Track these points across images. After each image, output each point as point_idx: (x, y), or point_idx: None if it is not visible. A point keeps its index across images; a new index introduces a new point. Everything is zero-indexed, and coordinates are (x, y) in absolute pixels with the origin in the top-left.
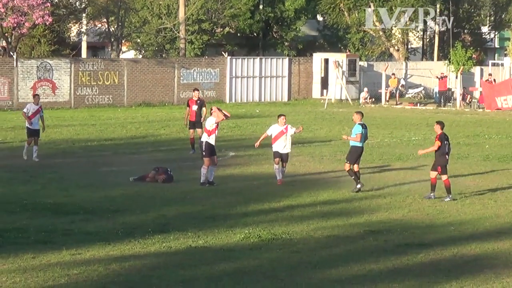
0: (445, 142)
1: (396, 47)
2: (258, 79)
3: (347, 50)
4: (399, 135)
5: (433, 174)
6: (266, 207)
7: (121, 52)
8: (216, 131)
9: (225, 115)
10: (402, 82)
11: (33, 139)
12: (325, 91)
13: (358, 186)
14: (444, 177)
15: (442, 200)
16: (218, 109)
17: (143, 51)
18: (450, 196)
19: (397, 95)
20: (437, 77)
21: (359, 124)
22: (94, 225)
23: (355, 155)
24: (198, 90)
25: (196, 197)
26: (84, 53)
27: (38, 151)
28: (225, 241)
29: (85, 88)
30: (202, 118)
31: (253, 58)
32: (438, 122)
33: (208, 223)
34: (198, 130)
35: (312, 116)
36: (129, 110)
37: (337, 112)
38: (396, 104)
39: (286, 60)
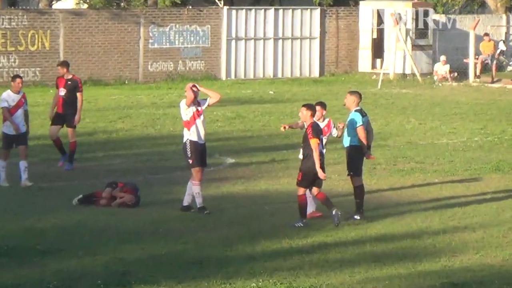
0: (321, 136)
1: None
2: (271, 42)
3: None
4: (496, 132)
5: (316, 190)
6: (284, 245)
7: (54, 0)
8: (199, 121)
9: (194, 91)
10: (502, 47)
11: (18, 149)
12: (378, 61)
13: (357, 217)
14: (299, 190)
15: (291, 225)
16: (193, 86)
17: None
18: (304, 220)
19: (494, 67)
20: None
21: (356, 111)
22: (13, 275)
23: (359, 159)
24: (67, 64)
25: (174, 229)
26: None
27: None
28: None
29: None
30: (78, 109)
31: (264, 10)
32: (307, 106)
33: (192, 271)
34: (69, 130)
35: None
36: None
37: (398, 94)
38: (492, 82)
39: (317, 13)
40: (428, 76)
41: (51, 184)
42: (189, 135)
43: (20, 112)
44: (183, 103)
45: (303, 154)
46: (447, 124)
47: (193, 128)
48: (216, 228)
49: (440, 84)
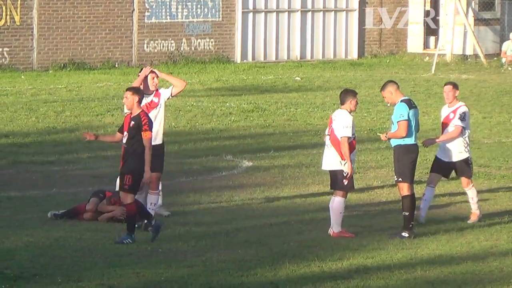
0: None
1: None
2: (298, 15)
3: None
4: None
5: (129, 198)
6: (314, 269)
7: None
8: (159, 112)
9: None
10: None
11: None
12: (432, 39)
13: (405, 234)
14: (128, 198)
15: (118, 241)
16: (152, 71)
17: None
18: (133, 236)
19: None
20: None
21: (403, 101)
22: None
23: (410, 163)
24: None
25: (176, 249)
26: None
27: None
28: None
29: None
30: None
31: None
32: (133, 90)
33: None
34: None
35: (409, 89)
36: (42, 78)
37: (457, 80)
38: None
39: None
40: (495, 58)
41: (22, 192)
42: None
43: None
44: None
45: (128, 151)
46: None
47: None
48: (229, 248)
49: (509, 68)
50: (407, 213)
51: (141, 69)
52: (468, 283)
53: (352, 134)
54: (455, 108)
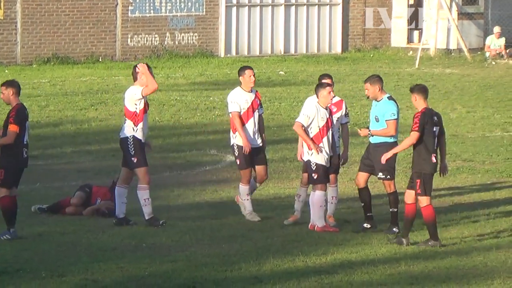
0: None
1: None
2: (282, 9)
3: None
4: None
5: (2, 192)
6: (298, 264)
7: None
8: (146, 116)
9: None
10: None
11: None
12: (416, 33)
13: (366, 225)
14: (1, 192)
15: None
16: (148, 67)
17: None
18: (13, 230)
19: None
20: None
21: (388, 98)
22: None
23: (395, 161)
24: None
25: (160, 244)
26: None
27: None
28: None
29: None
30: None
31: None
32: (7, 84)
33: None
34: None
35: (392, 83)
36: (26, 72)
37: (441, 75)
38: None
39: None
40: (479, 52)
41: None
42: (135, 132)
43: (255, 118)
44: (138, 90)
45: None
46: (502, 113)
47: (141, 124)
48: (213, 243)
49: (493, 62)
50: (396, 209)
51: (135, 67)
52: (452, 278)
53: (318, 126)
54: (336, 101)
